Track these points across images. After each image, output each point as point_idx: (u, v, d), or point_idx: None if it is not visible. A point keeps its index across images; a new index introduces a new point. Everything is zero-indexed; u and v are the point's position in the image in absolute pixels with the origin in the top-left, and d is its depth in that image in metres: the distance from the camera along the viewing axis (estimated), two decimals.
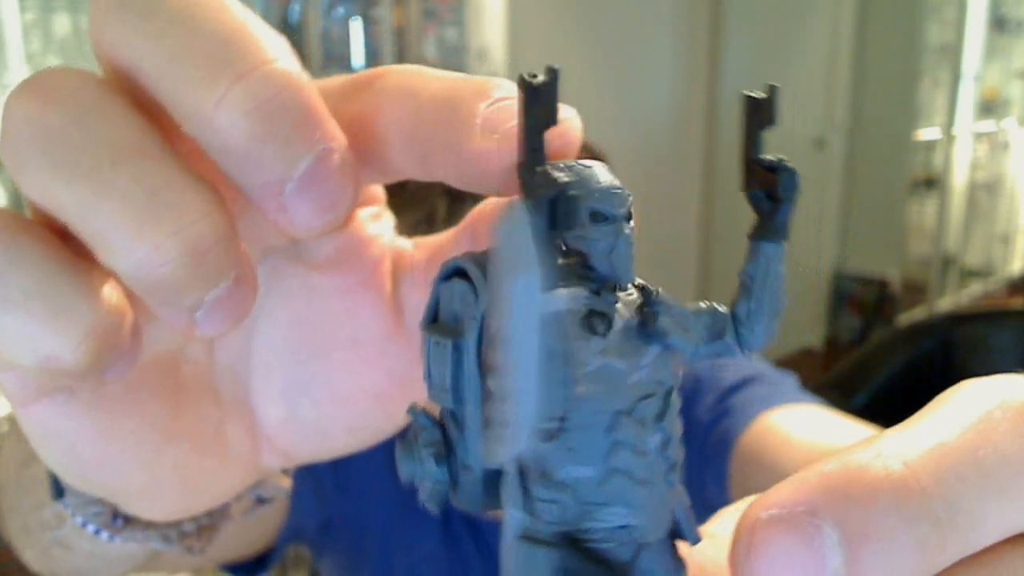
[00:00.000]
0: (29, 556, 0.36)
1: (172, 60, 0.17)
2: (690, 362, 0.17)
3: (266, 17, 2.20)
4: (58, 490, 0.27)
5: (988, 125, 4.01)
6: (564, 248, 0.16)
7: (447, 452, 0.18)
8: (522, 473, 0.16)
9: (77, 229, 0.17)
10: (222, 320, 0.18)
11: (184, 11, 0.17)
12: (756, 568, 0.13)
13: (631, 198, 0.17)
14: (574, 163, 0.17)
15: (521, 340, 0.13)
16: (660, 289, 0.17)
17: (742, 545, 0.14)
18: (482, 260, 0.17)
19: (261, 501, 0.30)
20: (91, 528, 0.28)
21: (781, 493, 0.14)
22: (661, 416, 0.16)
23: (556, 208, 0.15)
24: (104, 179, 0.16)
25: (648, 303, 0.16)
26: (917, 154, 3.73)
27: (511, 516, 0.16)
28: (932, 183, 3.79)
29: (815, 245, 3.58)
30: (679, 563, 0.16)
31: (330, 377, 0.24)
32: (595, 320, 0.16)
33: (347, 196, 0.18)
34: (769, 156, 0.16)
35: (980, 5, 3.72)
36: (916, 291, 3.72)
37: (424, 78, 0.19)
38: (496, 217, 0.13)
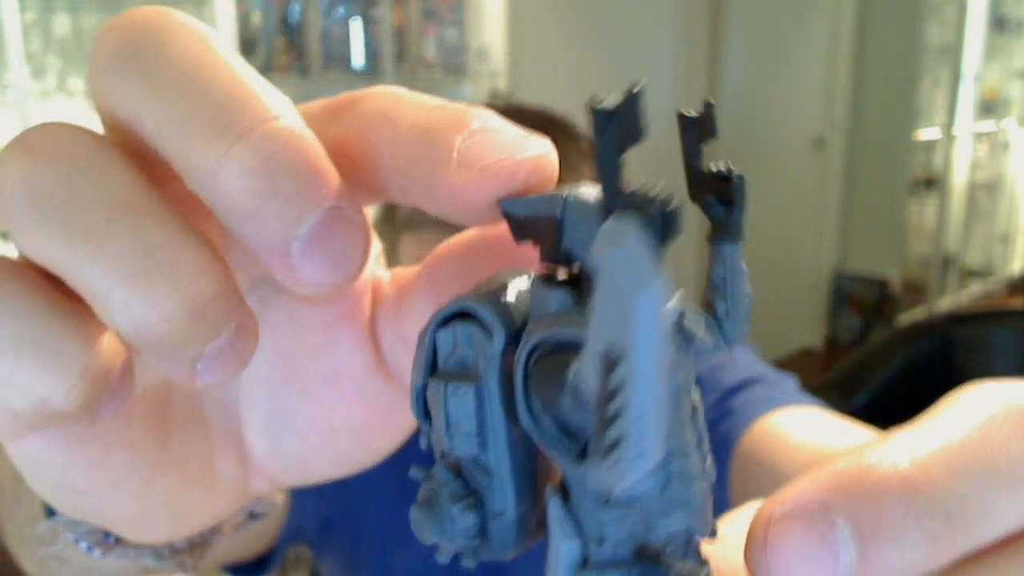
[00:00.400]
0: (26, 564, 0.36)
1: (175, 117, 0.17)
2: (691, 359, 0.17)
3: (266, 17, 2.20)
4: (51, 508, 0.27)
5: (988, 125, 4.01)
6: (586, 269, 0.16)
7: (474, 503, 0.17)
8: (570, 501, 0.16)
9: (73, 284, 0.17)
10: (223, 370, 0.17)
11: (187, 68, 0.17)
12: (772, 563, 0.14)
13: None
14: (578, 188, 0.17)
15: (646, 358, 0.12)
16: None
17: (757, 541, 0.14)
18: (490, 296, 0.18)
19: (253, 516, 0.30)
20: (83, 545, 0.28)
21: (795, 490, 0.14)
22: (693, 413, 0.16)
23: (666, 222, 0.15)
24: (100, 238, 0.16)
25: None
26: (917, 154, 3.73)
27: (564, 550, 0.16)
28: (932, 183, 3.79)
29: (815, 245, 3.58)
30: (703, 561, 0.17)
31: (311, 410, 0.24)
32: (687, 327, 0.16)
33: (357, 253, 0.18)
34: (718, 165, 0.17)
35: (980, 5, 3.72)
36: (916, 291, 3.72)
37: (402, 105, 0.18)
38: (600, 241, 0.12)
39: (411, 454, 0.78)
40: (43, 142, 0.17)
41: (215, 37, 0.18)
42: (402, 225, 0.63)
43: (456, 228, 0.21)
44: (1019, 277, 4.24)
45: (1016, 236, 4.32)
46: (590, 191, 0.16)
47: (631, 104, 0.15)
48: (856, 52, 3.53)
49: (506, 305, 0.18)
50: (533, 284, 0.17)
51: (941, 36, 3.64)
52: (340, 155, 0.18)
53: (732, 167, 0.17)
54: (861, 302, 3.67)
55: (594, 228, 0.16)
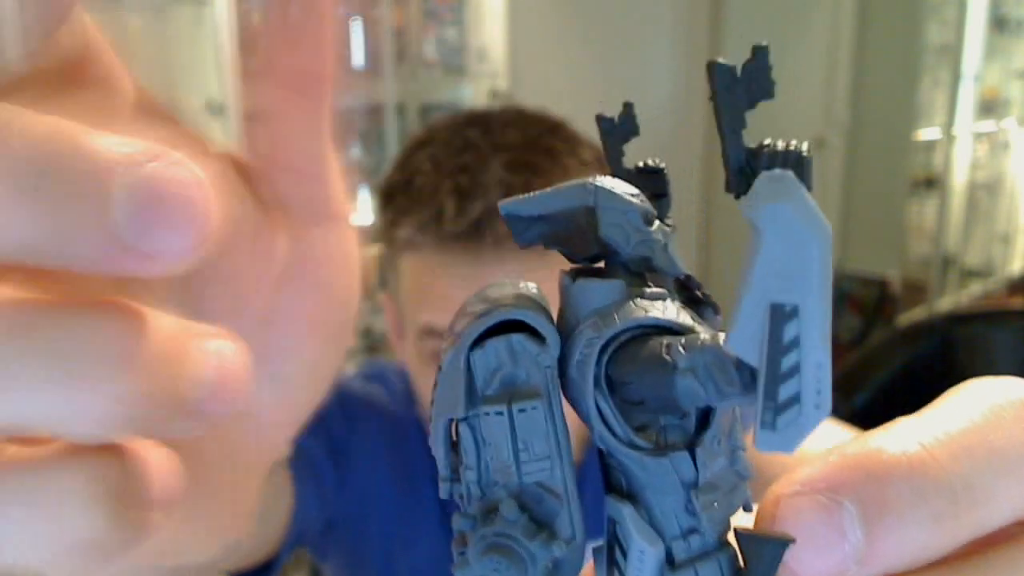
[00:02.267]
0: None
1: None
2: None
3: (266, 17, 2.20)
4: None
5: (988, 125, 4.01)
6: (624, 257, 0.16)
7: (552, 533, 0.16)
8: (639, 506, 0.15)
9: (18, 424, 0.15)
10: (225, 407, 0.16)
11: None
12: None
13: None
14: (590, 180, 0.16)
15: (823, 307, 0.12)
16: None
17: (766, 520, 0.14)
18: (526, 302, 0.16)
19: None
20: None
21: (804, 472, 0.14)
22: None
23: (804, 171, 0.14)
24: (15, 363, 0.14)
25: (700, 289, 0.17)
26: (917, 154, 3.73)
27: (651, 555, 0.15)
28: (932, 183, 3.79)
29: None
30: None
31: (288, 326, 0.24)
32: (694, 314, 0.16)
33: (196, 200, 0.14)
34: (645, 161, 0.17)
35: (980, 5, 3.72)
36: (916, 291, 3.72)
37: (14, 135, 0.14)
38: (762, 196, 0.12)
39: (411, 455, 0.79)
40: None
41: None
42: (403, 246, 0.63)
43: (456, 248, 0.20)
44: (1019, 277, 4.24)
45: (1016, 236, 4.32)
46: (611, 180, 0.16)
47: (760, 60, 0.15)
48: (856, 52, 3.53)
49: (544, 308, 0.16)
50: (568, 282, 0.16)
51: (941, 36, 3.63)
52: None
53: (657, 162, 0.17)
54: (861, 302, 3.67)
55: (630, 212, 0.16)
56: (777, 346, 0.12)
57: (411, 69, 2.43)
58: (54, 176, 0.13)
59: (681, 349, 0.14)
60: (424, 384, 0.64)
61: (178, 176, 0.14)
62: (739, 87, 0.15)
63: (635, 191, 0.16)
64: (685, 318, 0.15)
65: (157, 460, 0.16)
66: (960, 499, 0.14)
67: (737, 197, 0.15)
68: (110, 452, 0.15)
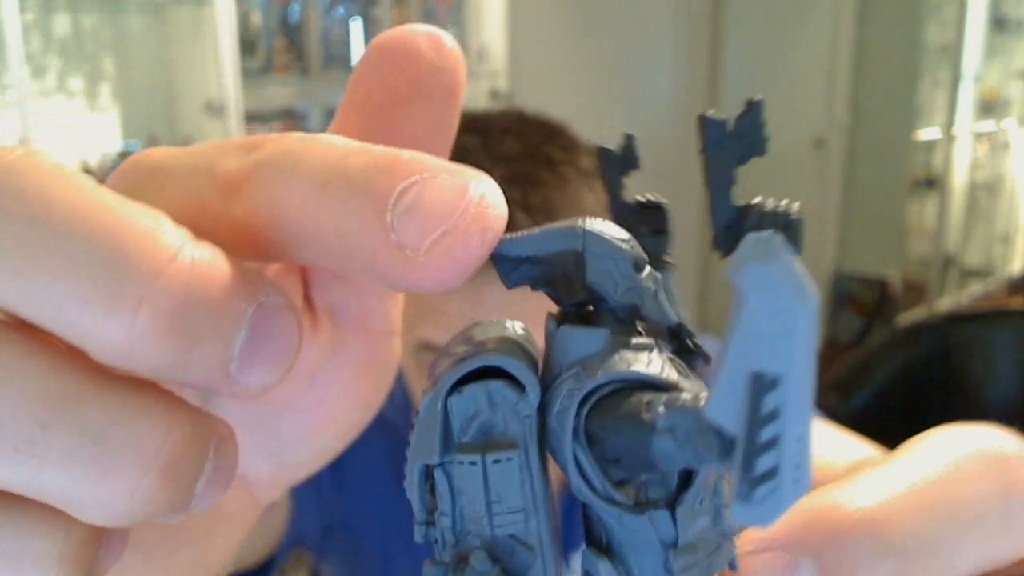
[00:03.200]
0: None
1: (48, 296, 0.14)
2: None
3: (266, 17, 2.20)
4: None
5: (988, 125, 4.01)
6: (612, 304, 0.15)
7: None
8: (616, 560, 0.15)
9: (29, 495, 0.15)
10: (216, 492, 0.16)
11: (38, 231, 0.14)
12: None
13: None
14: (578, 223, 0.16)
15: (804, 379, 0.12)
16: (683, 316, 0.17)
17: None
18: (509, 348, 0.16)
19: None
20: None
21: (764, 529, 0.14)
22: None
23: (794, 234, 0.14)
24: (40, 448, 0.14)
25: (692, 338, 0.16)
26: (917, 154, 3.73)
27: None
28: (932, 183, 3.79)
29: (815, 245, 3.58)
30: None
31: (303, 418, 0.24)
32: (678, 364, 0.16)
33: (292, 338, 0.16)
34: (645, 196, 0.16)
35: (980, 5, 3.72)
36: (916, 291, 3.72)
37: (311, 161, 0.15)
38: (747, 258, 0.11)
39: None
40: None
41: (65, 170, 0.15)
42: None
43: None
44: (1019, 277, 4.24)
45: (1016, 236, 4.32)
46: (601, 223, 0.16)
47: (753, 116, 0.14)
48: (856, 52, 3.53)
49: (528, 354, 0.16)
50: (553, 328, 0.16)
51: (941, 36, 3.63)
52: (254, 236, 0.16)
53: (658, 197, 0.16)
54: (861, 302, 3.67)
55: (619, 259, 0.15)
56: (756, 417, 0.12)
57: None
58: (196, 314, 0.14)
59: (661, 408, 0.14)
60: (420, 394, 0.64)
61: (283, 319, 0.15)
62: (730, 142, 0.14)
63: (626, 236, 0.15)
64: (670, 372, 0.15)
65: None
66: (919, 557, 0.14)
67: (723, 256, 0.15)
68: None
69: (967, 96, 3.74)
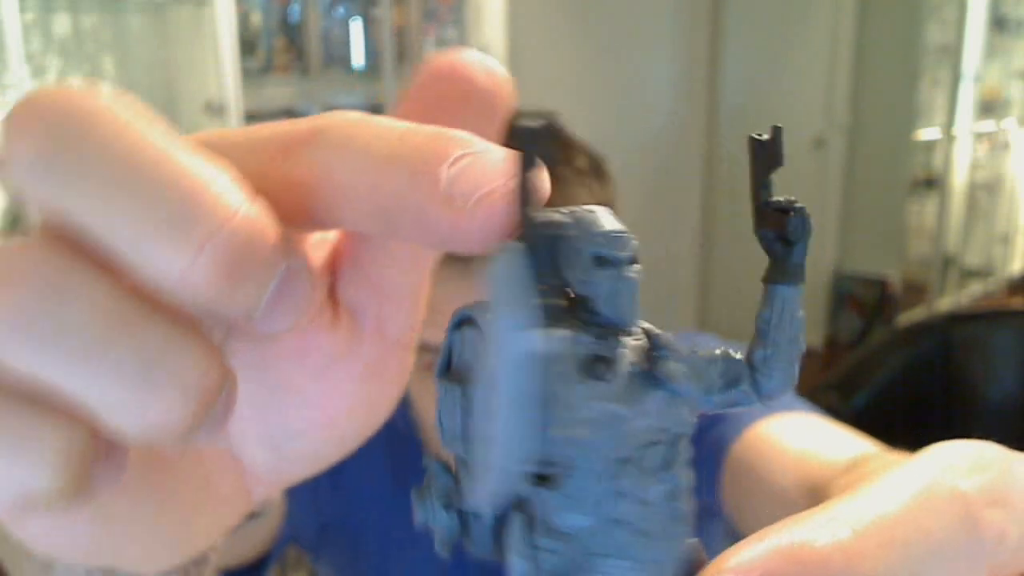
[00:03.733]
0: None
1: (124, 224, 0.16)
2: (705, 410, 0.17)
3: (266, 17, 2.20)
4: None
5: (988, 125, 4.01)
6: (571, 293, 0.16)
7: (458, 500, 0.18)
8: (526, 520, 0.16)
9: (71, 399, 0.16)
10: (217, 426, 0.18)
11: (126, 166, 0.16)
12: None
13: (634, 241, 0.16)
14: (578, 208, 0.16)
15: (506, 381, 0.13)
16: (667, 334, 0.16)
17: None
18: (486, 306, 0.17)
19: (251, 516, 0.30)
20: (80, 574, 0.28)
21: (738, 557, 0.14)
22: (667, 465, 0.16)
23: (554, 250, 0.14)
24: (97, 360, 0.16)
25: (655, 347, 0.16)
26: (917, 154, 3.73)
27: (513, 565, 0.16)
28: (932, 183, 3.79)
29: (815, 245, 3.58)
30: None
31: (306, 411, 0.24)
32: (598, 365, 0.15)
33: (307, 295, 0.18)
34: (779, 197, 0.16)
35: (980, 5, 3.72)
36: (916, 291, 3.72)
37: (371, 132, 0.17)
38: (490, 258, 0.13)
39: (408, 459, 0.79)
40: (16, 271, 0.16)
41: (148, 118, 0.17)
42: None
43: (448, 262, 0.21)
44: (1019, 277, 4.24)
45: (1016, 236, 4.32)
46: (594, 211, 0.16)
47: (776, 136, 0.16)
48: (856, 52, 3.53)
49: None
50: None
51: (941, 36, 3.64)
52: (307, 195, 0.18)
53: (794, 200, 0.16)
54: (861, 302, 3.67)
55: (582, 249, 0.16)
56: (467, 415, 0.13)
57: (411, 69, 2.44)
58: (245, 263, 0.16)
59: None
60: (418, 392, 0.64)
61: (303, 280, 0.18)
62: (761, 156, 0.16)
63: (609, 229, 0.16)
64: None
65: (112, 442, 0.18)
66: None
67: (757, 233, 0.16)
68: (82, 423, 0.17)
69: (967, 96, 3.74)
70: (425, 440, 0.70)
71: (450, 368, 0.18)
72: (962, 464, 0.16)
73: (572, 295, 0.16)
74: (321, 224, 0.18)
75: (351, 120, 0.18)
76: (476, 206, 0.16)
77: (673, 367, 0.16)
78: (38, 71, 1.86)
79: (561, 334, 0.14)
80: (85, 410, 0.16)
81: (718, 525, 0.63)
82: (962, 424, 1.67)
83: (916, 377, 1.70)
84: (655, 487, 0.16)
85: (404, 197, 0.17)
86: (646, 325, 0.17)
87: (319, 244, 0.23)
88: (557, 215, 0.16)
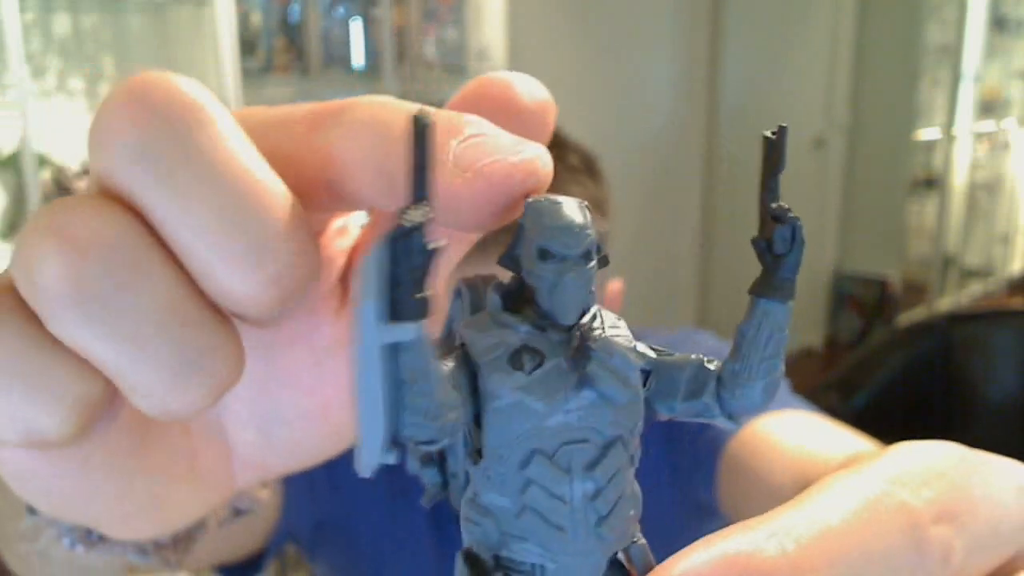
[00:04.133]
0: (11, 560, 0.37)
1: (205, 237, 0.17)
2: (671, 416, 0.16)
3: (266, 17, 2.20)
4: (32, 507, 0.27)
5: (988, 125, 4.01)
6: (522, 283, 0.16)
7: (438, 458, 0.18)
8: (469, 493, 0.16)
9: (104, 371, 0.17)
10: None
11: (211, 174, 0.17)
12: None
13: (590, 238, 0.16)
14: (546, 198, 0.16)
15: (361, 365, 0.13)
16: (616, 333, 0.16)
17: None
18: (477, 282, 0.18)
19: (238, 513, 0.30)
20: (66, 542, 0.28)
21: (685, 562, 0.14)
22: (592, 466, 0.15)
23: (397, 244, 0.14)
24: (143, 349, 0.17)
25: (582, 347, 0.16)
26: (917, 154, 3.73)
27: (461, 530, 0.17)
28: (932, 183, 3.80)
29: (815, 245, 3.58)
30: None
31: (299, 398, 0.24)
32: (524, 356, 0.15)
33: (306, 278, 0.19)
34: (775, 204, 0.16)
35: (980, 5, 3.73)
36: (916, 291, 3.73)
37: (394, 111, 0.18)
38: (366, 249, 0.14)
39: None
40: (83, 235, 0.16)
41: (231, 124, 0.18)
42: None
43: (494, 244, 0.21)
44: (1019, 277, 4.24)
45: (1016, 236, 4.32)
46: (556, 201, 0.16)
47: (782, 136, 0.15)
48: (856, 52, 3.53)
49: (481, 292, 0.18)
50: (490, 286, 0.17)
51: (941, 36, 3.64)
52: (328, 163, 0.18)
53: (787, 209, 0.15)
54: (861, 302, 3.67)
55: (533, 240, 0.16)
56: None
57: (411, 69, 2.44)
58: (293, 277, 0.18)
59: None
60: None
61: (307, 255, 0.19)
62: (770, 155, 0.16)
63: (568, 221, 0.16)
64: (484, 346, 0.16)
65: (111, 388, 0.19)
66: None
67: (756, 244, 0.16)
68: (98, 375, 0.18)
69: (967, 96, 3.75)
70: None
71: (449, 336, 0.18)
72: (915, 473, 0.16)
73: (522, 285, 0.16)
74: (340, 198, 0.19)
75: (377, 100, 0.19)
76: (474, 176, 0.17)
77: (593, 369, 0.15)
78: (38, 71, 1.86)
79: (416, 326, 0.13)
80: (111, 376, 0.17)
81: (715, 523, 0.63)
82: (962, 424, 1.68)
83: (916, 377, 1.70)
84: (575, 485, 0.15)
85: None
86: (596, 324, 0.16)
87: (338, 232, 0.23)
88: (529, 201, 0.16)
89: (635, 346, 0.16)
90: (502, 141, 0.17)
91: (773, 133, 0.15)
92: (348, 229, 0.24)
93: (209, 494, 0.24)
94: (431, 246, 0.14)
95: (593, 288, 0.16)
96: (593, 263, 0.16)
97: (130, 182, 0.17)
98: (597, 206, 0.64)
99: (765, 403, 0.16)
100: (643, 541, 0.17)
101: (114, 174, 0.17)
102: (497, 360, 0.16)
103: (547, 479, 0.15)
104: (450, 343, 0.17)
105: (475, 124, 0.18)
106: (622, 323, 0.17)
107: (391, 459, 0.14)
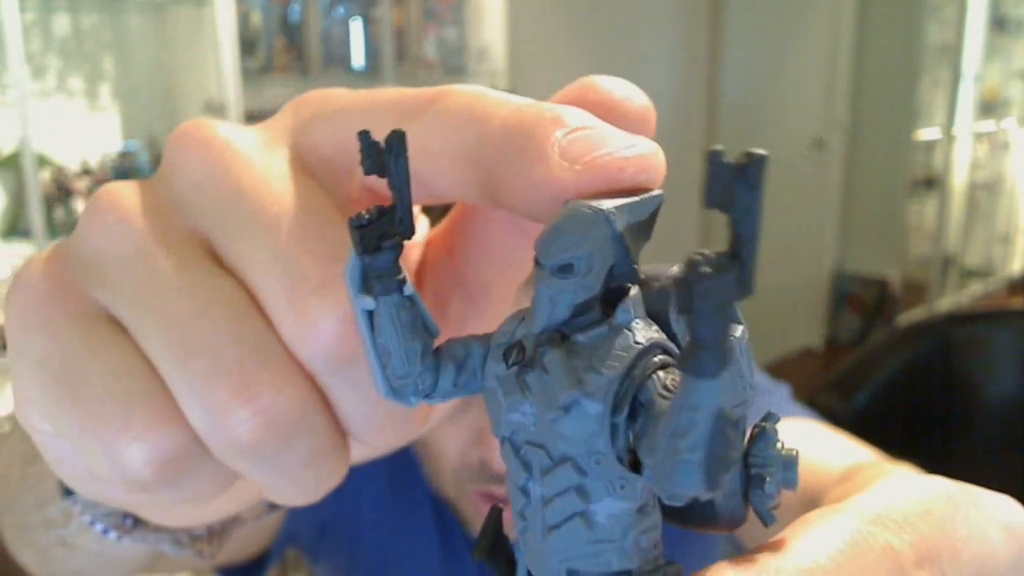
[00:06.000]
0: (26, 556, 0.36)
1: (262, 277, 0.18)
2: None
3: (266, 17, 2.20)
4: (68, 488, 0.27)
5: (988, 125, 4.01)
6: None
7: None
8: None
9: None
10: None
11: (270, 232, 0.18)
12: None
13: (575, 253, 0.15)
14: (577, 201, 0.15)
15: (358, 322, 0.17)
16: (612, 352, 0.15)
17: None
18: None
19: (273, 507, 0.30)
20: (99, 527, 0.28)
21: None
22: (544, 472, 0.15)
23: (360, 242, 0.16)
24: (295, 477, 0.20)
25: (532, 358, 0.15)
26: (917, 154, 3.73)
27: None
28: (932, 183, 3.79)
29: (815, 245, 3.58)
30: None
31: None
32: (514, 350, 0.16)
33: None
34: (697, 253, 0.12)
35: (980, 5, 3.73)
36: (916, 291, 3.72)
37: (490, 102, 0.18)
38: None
39: (405, 460, 0.78)
40: (274, 408, 0.18)
41: (298, 182, 0.19)
42: None
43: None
44: (1019, 277, 4.24)
45: (1016, 236, 4.32)
46: (565, 217, 0.15)
47: (755, 167, 0.12)
48: (856, 52, 3.53)
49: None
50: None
51: (941, 36, 3.64)
52: (417, 154, 0.18)
53: (696, 261, 0.12)
54: (861, 302, 3.67)
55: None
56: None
57: (411, 69, 2.44)
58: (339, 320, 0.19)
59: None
60: None
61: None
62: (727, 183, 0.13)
63: (560, 230, 0.15)
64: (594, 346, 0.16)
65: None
66: None
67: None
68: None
69: (967, 96, 3.74)
70: (421, 441, 0.70)
71: None
72: (900, 512, 0.16)
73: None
74: (426, 190, 0.19)
75: (474, 89, 0.18)
76: (584, 167, 0.16)
77: (530, 382, 0.15)
78: (38, 71, 1.86)
79: (374, 300, 0.17)
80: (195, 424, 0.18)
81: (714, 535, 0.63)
82: (962, 424, 1.67)
83: (916, 377, 1.70)
84: (533, 483, 0.15)
85: (514, 157, 0.17)
86: (573, 337, 0.15)
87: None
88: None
89: (649, 375, 0.15)
90: (613, 134, 0.17)
91: (713, 153, 0.13)
92: (420, 221, 0.24)
93: (249, 489, 0.24)
94: (387, 245, 0.16)
95: (573, 303, 0.15)
96: (571, 279, 0.15)
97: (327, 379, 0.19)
98: None
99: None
100: (675, 563, 0.16)
101: (317, 375, 0.19)
102: (497, 348, 0.16)
103: (513, 469, 0.16)
104: None
105: (580, 116, 0.17)
106: (648, 340, 0.15)
107: (392, 397, 0.17)
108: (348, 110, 0.19)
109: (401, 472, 0.70)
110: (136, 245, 0.18)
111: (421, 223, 0.24)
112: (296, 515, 0.63)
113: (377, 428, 0.19)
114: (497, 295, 0.23)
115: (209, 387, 0.17)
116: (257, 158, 0.19)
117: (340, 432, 0.19)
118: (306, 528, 0.70)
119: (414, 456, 0.68)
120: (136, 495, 0.19)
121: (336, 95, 0.20)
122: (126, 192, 0.19)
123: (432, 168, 0.18)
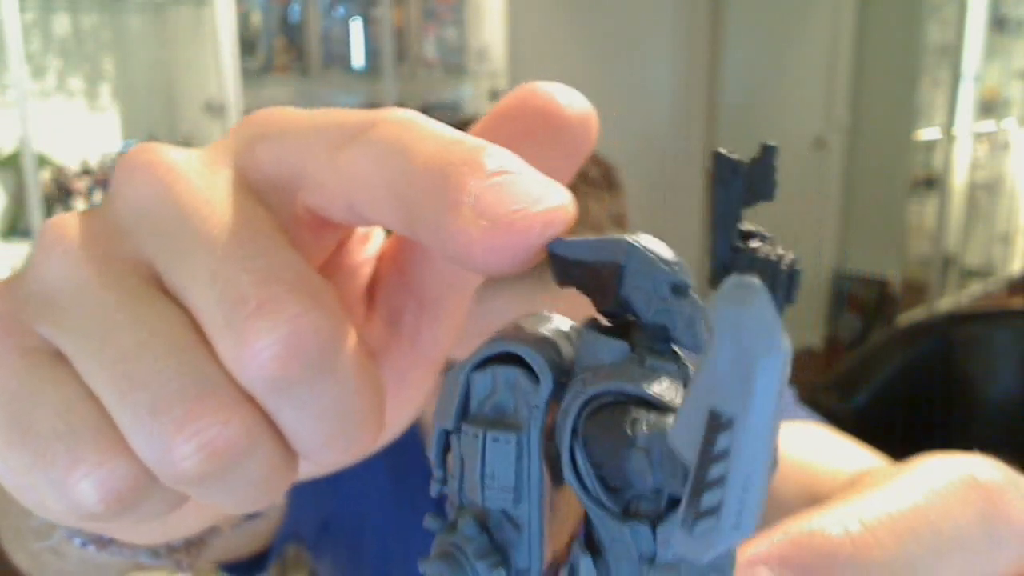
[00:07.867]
0: (20, 559, 0.36)
1: (206, 301, 0.17)
2: None
3: (266, 17, 2.20)
4: None
5: (988, 125, 4.01)
6: (643, 322, 0.16)
7: (504, 559, 0.17)
8: (601, 560, 0.15)
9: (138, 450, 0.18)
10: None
11: (220, 258, 0.17)
12: None
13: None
14: (639, 236, 0.16)
15: (760, 426, 0.12)
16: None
17: None
18: (537, 340, 0.17)
19: (251, 516, 0.30)
20: (78, 541, 0.28)
21: (752, 550, 0.15)
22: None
23: (782, 283, 0.14)
24: (137, 390, 0.17)
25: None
26: (917, 154, 3.73)
27: None
28: (932, 183, 3.79)
29: (815, 245, 3.58)
30: None
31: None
32: None
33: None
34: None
35: (980, 5, 3.72)
36: (916, 291, 3.72)
37: (417, 134, 0.18)
38: (724, 298, 0.12)
39: (409, 458, 0.78)
40: (117, 321, 0.17)
41: (248, 205, 0.18)
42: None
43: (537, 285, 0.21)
44: (1019, 277, 4.24)
45: (1016, 236, 4.32)
46: (654, 241, 0.16)
47: (767, 160, 0.14)
48: (856, 52, 3.53)
49: (555, 351, 0.17)
50: (582, 331, 0.16)
51: (941, 36, 3.64)
52: (348, 181, 0.18)
53: (762, 235, 0.14)
54: (861, 302, 3.67)
55: (659, 280, 0.15)
56: (708, 452, 0.12)
57: (411, 69, 2.44)
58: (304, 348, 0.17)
59: (644, 428, 0.14)
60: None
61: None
62: (739, 183, 0.14)
63: (673, 258, 0.16)
64: (674, 397, 0.15)
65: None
66: None
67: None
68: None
69: (967, 96, 3.74)
70: (424, 439, 0.70)
71: (466, 413, 0.17)
72: (979, 461, 0.16)
73: (645, 324, 0.16)
74: (359, 217, 0.19)
75: (403, 119, 0.18)
76: (492, 225, 0.16)
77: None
78: (38, 71, 1.86)
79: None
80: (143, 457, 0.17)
81: None
82: (962, 424, 1.68)
83: (916, 377, 1.70)
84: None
85: (430, 201, 0.17)
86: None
87: (362, 239, 0.23)
88: (617, 244, 0.16)
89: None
90: (524, 184, 0.17)
91: (717, 154, 0.14)
92: (372, 236, 0.24)
93: (213, 505, 0.24)
94: None
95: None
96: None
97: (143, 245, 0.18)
98: (617, 221, 0.64)
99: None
100: None
101: (259, 398, 0.18)
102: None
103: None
104: (515, 417, 0.17)
105: (499, 159, 0.17)
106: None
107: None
108: (291, 131, 0.19)
109: (404, 467, 0.70)
110: (79, 278, 0.18)
111: (374, 237, 0.24)
112: (298, 512, 0.63)
113: (325, 447, 0.19)
114: (451, 304, 0.22)
115: (153, 421, 0.16)
116: (198, 180, 0.18)
117: (288, 450, 0.19)
118: (308, 525, 0.70)
119: (417, 450, 0.68)
120: (94, 524, 0.18)
121: (280, 115, 0.19)
122: (71, 224, 0.19)
123: (362, 196, 0.18)
